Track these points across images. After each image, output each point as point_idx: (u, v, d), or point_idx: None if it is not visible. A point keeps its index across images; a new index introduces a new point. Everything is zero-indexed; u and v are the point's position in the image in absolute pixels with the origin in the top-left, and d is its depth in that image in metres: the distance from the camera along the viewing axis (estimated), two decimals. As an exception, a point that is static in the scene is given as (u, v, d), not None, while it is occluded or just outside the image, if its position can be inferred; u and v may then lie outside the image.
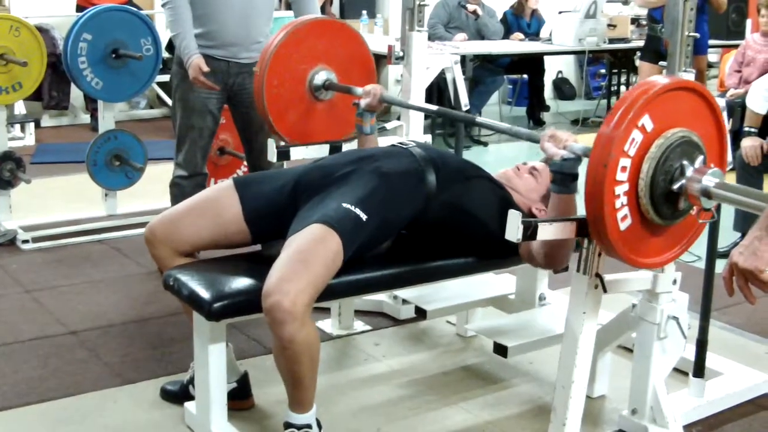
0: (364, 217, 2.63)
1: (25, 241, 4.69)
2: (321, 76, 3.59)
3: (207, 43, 3.87)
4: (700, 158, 2.41)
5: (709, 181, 2.35)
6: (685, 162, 2.38)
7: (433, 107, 3.60)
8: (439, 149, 3.08)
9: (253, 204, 2.85)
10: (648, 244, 2.49)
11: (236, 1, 3.84)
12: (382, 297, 3.82)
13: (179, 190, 3.96)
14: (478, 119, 3.28)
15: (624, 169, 2.33)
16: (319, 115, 3.67)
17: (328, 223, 2.57)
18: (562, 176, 2.56)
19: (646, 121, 2.33)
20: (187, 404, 2.94)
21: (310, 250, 2.52)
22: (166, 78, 7.85)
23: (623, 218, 2.37)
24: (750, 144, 4.75)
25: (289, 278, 2.44)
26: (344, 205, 2.64)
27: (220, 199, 2.86)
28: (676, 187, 2.39)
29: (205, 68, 3.77)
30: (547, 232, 2.47)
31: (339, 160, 2.92)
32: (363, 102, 3.34)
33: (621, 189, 2.35)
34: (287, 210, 2.76)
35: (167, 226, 2.84)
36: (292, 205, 2.77)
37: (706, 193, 2.35)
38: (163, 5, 3.90)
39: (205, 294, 2.60)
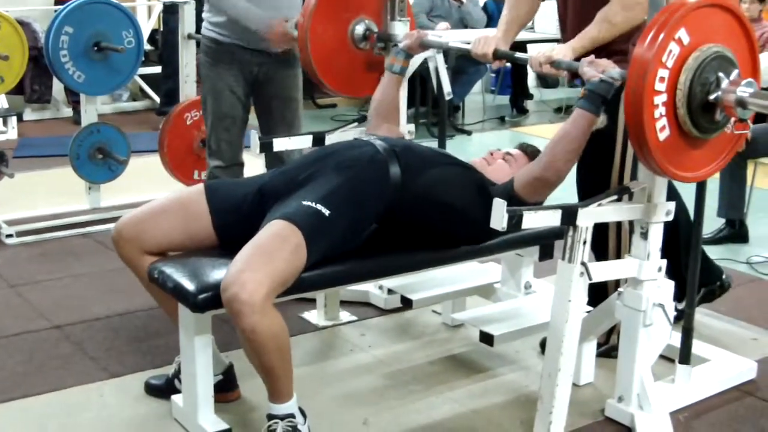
0: (326, 212, 2.63)
1: (9, 236, 4.66)
2: (361, 27, 3.63)
3: (231, 32, 3.82)
4: (735, 71, 2.48)
5: (743, 91, 2.43)
6: (720, 74, 2.46)
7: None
8: (402, 140, 3.07)
9: (222, 211, 2.84)
10: (685, 156, 2.56)
11: None
12: (367, 287, 3.81)
13: None
14: None
15: (662, 79, 2.41)
16: (362, 65, 3.70)
17: (288, 218, 2.59)
18: (594, 96, 2.66)
19: (683, 35, 2.41)
20: (174, 397, 2.93)
21: (267, 244, 2.53)
22: (148, 70, 7.88)
23: (662, 128, 2.45)
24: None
25: (246, 270, 2.45)
26: (304, 203, 2.65)
27: (191, 205, 2.85)
28: (712, 97, 2.46)
29: None
30: (532, 220, 2.48)
31: (300, 163, 2.92)
32: (403, 43, 3.42)
33: (659, 99, 2.42)
34: (255, 218, 2.74)
35: (134, 227, 2.82)
36: (260, 213, 2.75)
37: (742, 103, 2.43)
38: None
39: (189, 286, 2.59)
